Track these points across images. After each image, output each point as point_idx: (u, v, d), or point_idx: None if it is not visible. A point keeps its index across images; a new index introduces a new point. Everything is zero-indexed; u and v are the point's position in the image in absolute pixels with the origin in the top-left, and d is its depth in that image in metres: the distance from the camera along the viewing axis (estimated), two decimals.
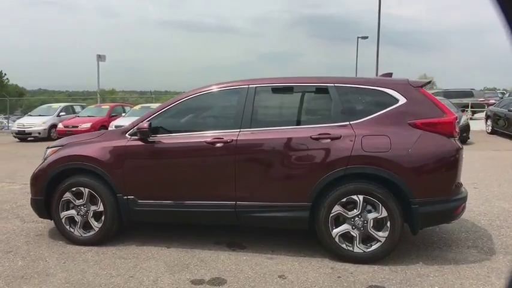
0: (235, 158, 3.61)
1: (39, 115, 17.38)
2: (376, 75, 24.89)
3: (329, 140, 3.45)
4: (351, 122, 3.50)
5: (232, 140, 3.62)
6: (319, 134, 3.47)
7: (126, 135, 3.89)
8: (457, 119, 3.50)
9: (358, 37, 30.38)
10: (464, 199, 3.49)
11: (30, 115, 18.04)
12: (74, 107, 19.16)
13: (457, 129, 3.53)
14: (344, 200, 3.43)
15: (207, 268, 3.42)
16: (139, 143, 3.82)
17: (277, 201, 3.55)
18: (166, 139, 3.81)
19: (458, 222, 4.52)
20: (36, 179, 4.07)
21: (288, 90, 3.87)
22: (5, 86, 62.83)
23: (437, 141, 3.39)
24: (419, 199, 3.33)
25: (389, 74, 4.00)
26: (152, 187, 3.84)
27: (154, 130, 3.85)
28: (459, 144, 3.47)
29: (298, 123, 3.70)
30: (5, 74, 62.29)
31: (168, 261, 3.58)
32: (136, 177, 3.85)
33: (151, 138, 3.80)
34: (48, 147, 4.26)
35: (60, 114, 17.42)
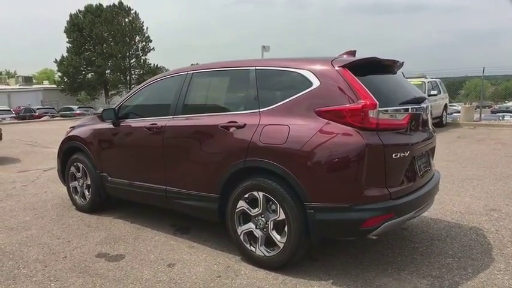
0: (163, 144, 3.68)
1: None
2: None
3: (235, 129, 3.16)
4: (260, 109, 3.11)
5: (162, 126, 3.70)
6: (228, 122, 3.21)
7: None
8: (373, 107, 2.65)
9: None
10: (383, 210, 2.66)
11: None
12: None
13: (379, 121, 2.69)
14: (247, 195, 3.10)
15: (127, 245, 3.65)
16: (110, 126, 4.27)
17: (194, 190, 3.47)
18: (125, 124, 4.15)
19: (447, 241, 3.46)
20: (57, 153, 5.02)
21: (218, 75, 3.66)
22: None
23: (339, 134, 2.69)
24: (316, 203, 2.74)
25: (353, 52, 3.31)
26: (116, 167, 4.27)
27: (125, 115, 4.26)
28: (377, 140, 2.65)
29: (219, 110, 3.47)
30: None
31: (112, 234, 3.95)
32: (106, 157, 4.35)
33: (122, 123, 4.22)
34: (70, 127, 5.16)
35: None
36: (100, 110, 4.53)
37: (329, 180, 2.72)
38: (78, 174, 4.72)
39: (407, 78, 12.99)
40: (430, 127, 3.44)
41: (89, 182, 4.59)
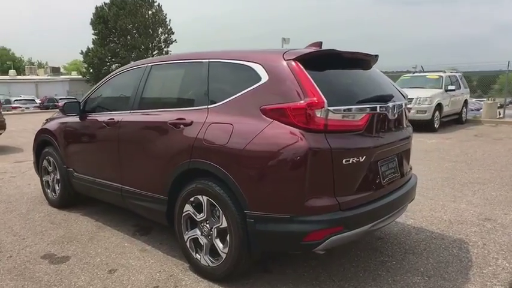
0: (118, 140, 3.47)
1: None
2: None
3: (182, 127, 2.90)
4: (209, 106, 2.83)
5: (118, 121, 3.48)
6: (176, 119, 2.96)
7: None
8: (321, 106, 2.32)
9: None
10: (329, 223, 2.33)
11: None
12: None
13: (329, 121, 2.36)
14: (192, 199, 2.85)
15: (78, 245, 3.47)
16: (76, 120, 4.10)
17: (145, 190, 3.25)
18: (89, 118, 3.96)
19: (423, 255, 3.09)
20: (33, 146, 4.91)
21: (174, 68, 3.38)
22: None
23: (282, 136, 2.37)
24: (256, 212, 2.45)
25: (319, 44, 2.97)
26: (80, 162, 4.10)
27: (91, 109, 4.08)
28: (324, 143, 2.32)
29: (171, 105, 3.20)
30: None
31: (70, 232, 3.79)
32: (72, 152, 4.19)
33: (87, 117, 4.03)
34: (46, 119, 5.02)
35: None
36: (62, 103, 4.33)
37: (269, 188, 2.42)
38: (50, 168, 4.59)
39: (425, 72, 12.31)
40: (405, 126, 3.08)
41: (59, 177, 4.45)
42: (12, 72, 48.39)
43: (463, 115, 13.47)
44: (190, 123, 2.84)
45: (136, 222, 4.00)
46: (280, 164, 2.36)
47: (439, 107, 11.52)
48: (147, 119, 3.26)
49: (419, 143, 9.25)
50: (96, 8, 42.77)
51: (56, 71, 50.77)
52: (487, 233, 3.65)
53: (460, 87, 13.13)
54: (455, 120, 13.13)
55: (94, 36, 43.04)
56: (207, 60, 2.99)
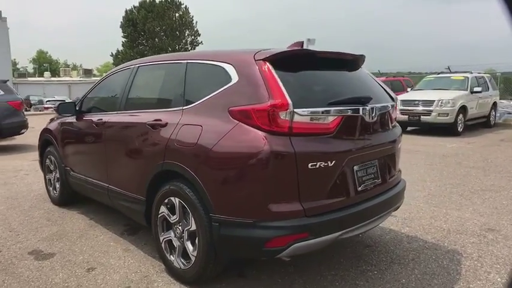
0: (105, 140, 3.52)
1: None
2: None
3: (159, 128, 2.90)
4: (184, 107, 2.81)
5: (105, 121, 3.53)
6: (154, 120, 2.96)
7: None
8: (285, 108, 2.24)
9: None
10: (293, 229, 2.25)
11: None
12: None
13: (296, 124, 2.28)
14: (166, 201, 2.84)
15: (66, 243, 3.53)
16: (72, 120, 4.20)
17: (126, 190, 3.27)
18: (83, 118, 4.04)
19: (409, 266, 2.94)
20: (37, 145, 5.07)
21: (157, 69, 3.38)
22: None
23: (246, 138, 2.31)
24: (220, 216, 2.40)
25: (300, 43, 2.90)
26: (75, 162, 4.19)
27: (86, 109, 4.16)
28: (287, 147, 2.24)
29: (152, 106, 3.20)
30: None
31: (63, 229, 3.87)
32: (68, 152, 4.29)
33: (82, 117, 4.12)
34: (50, 119, 5.16)
35: None
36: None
37: (232, 192, 2.37)
38: (52, 167, 4.73)
39: (452, 73, 11.74)
40: (390, 129, 2.95)
41: (58, 175, 4.57)
42: (47, 74, 50.51)
43: (491, 118, 12.87)
44: (165, 125, 2.84)
45: (128, 222, 4.03)
46: (242, 167, 2.30)
47: (463, 109, 11.06)
48: (129, 120, 3.29)
49: (439, 147, 8.93)
50: (126, 11, 43.88)
51: (88, 72, 52.60)
52: (485, 245, 3.44)
53: (488, 89, 12.55)
54: (483, 124, 12.56)
55: (123, 39, 44.18)
56: (185, 61, 2.98)
